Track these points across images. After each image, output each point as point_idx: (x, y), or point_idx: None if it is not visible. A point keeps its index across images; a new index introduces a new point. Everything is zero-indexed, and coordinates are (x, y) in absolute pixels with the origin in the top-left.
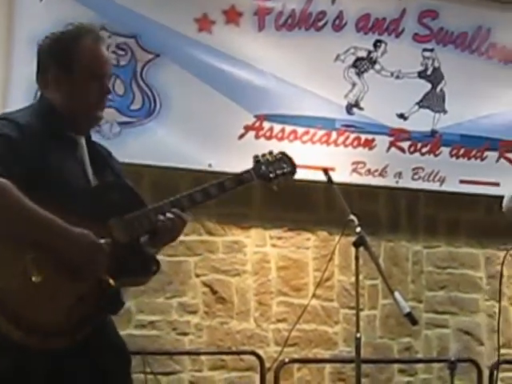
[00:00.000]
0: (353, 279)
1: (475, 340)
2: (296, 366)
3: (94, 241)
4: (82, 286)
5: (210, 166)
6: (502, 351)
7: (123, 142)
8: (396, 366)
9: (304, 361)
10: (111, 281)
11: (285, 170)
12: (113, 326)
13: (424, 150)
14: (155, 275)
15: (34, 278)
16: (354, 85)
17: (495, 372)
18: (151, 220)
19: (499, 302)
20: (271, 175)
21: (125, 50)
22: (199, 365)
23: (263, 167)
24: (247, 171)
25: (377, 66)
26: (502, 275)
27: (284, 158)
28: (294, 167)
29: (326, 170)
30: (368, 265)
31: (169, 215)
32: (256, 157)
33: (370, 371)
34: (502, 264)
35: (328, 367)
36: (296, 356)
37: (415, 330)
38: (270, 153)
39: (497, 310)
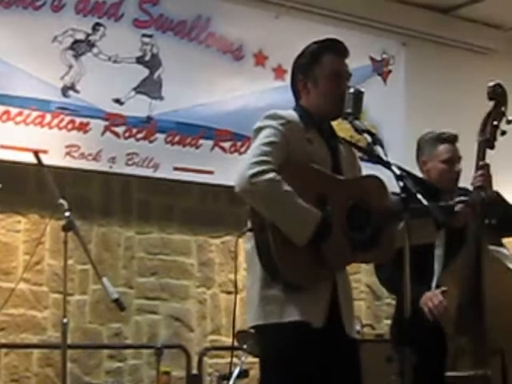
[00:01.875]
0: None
1: (185, 326)
2: (3, 351)
3: None
4: None
5: None
6: (212, 337)
7: None
8: (105, 351)
9: (11, 346)
10: None
11: None
12: None
13: (139, 135)
14: None
15: None
16: (70, 67)
17: (204, 358)
18: None
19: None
20: None
21: None
22: None
23: None
24: None
25: (95, 50)
26: (235, 259)
27: None
28: None
29: (36, 153)
30: (79, 249)
31: None
32: None
33: (79, 357)
34: (236, 244)
35: (36, 352)
36: (3, 341)
37: (125, 316)
38: None
39: (207, 297)
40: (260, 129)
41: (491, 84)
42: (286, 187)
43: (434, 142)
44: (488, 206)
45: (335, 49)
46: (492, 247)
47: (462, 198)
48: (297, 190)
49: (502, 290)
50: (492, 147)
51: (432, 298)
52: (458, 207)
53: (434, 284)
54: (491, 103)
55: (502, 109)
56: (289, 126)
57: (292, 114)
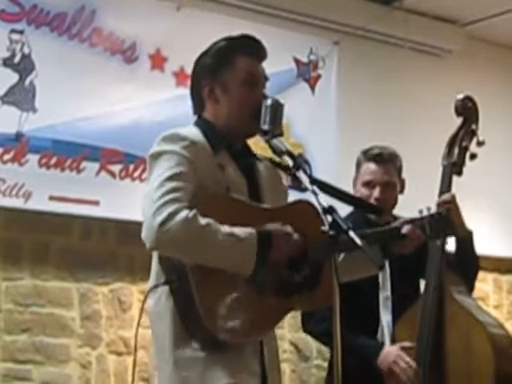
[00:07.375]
0: None
1: None
2: None
3: None
4: None
5: None
6: None
7: None
8: None
9: None
10: None
11: None
12: None
13: (6, 157)
14: None
15: None
16: None
17: None
18: None
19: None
20: None
21: None
22: None
23: None
24: None
25: None
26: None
27: None
28: None
29: None
30: None
31: None
32: None
33: None
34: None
35: None
36: None
37: None
38: None
39: (92, 359)
40: (158, 155)
41: (460, 97)
42: (203, 220)
43: (361, 159)
44: (440, 221)
45: (251, 49)
46: (457, 294)
47: (409, 218)
48: None
49: (469, 349)
50: (460, 173)
51: (397, 361)
52: (405, 229)
53: (386, 336)
54: (459, 120)
55: (473, 127)
56: (194, 148)
57: (196, 133)
